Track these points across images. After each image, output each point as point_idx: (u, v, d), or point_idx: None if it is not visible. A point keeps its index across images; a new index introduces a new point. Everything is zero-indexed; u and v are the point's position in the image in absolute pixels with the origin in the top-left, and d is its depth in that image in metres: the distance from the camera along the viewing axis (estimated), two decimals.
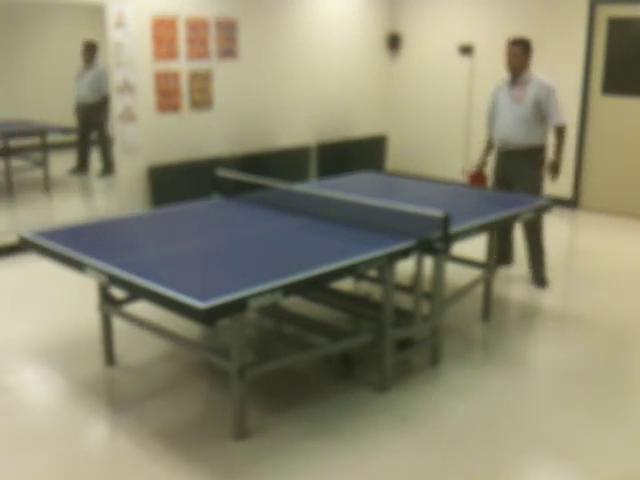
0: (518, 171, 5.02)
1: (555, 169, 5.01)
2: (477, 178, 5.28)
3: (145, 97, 6.29)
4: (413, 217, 3.63)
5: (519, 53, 4.90)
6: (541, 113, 4.90)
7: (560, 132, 4.95)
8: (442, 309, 3.86)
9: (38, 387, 3.68)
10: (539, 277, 5.14)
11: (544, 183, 5.07)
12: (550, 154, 5.07)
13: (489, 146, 5.31)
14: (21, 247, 3.73)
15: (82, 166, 8.13)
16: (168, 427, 3.29)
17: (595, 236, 6.60)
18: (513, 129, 4.97)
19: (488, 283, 4.50)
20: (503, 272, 5.33)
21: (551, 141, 5.05)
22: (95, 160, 8.04)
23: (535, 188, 4.97)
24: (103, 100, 7.55)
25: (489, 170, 5.32)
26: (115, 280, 3.05)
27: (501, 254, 5.43)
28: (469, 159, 7.96)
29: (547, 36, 7.30)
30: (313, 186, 5.04)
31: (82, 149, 8.09)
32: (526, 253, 5.22)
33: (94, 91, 7.63)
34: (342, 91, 8.14)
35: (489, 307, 4.54)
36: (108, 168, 7.77)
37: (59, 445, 3.15)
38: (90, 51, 7.55)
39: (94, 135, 8.05)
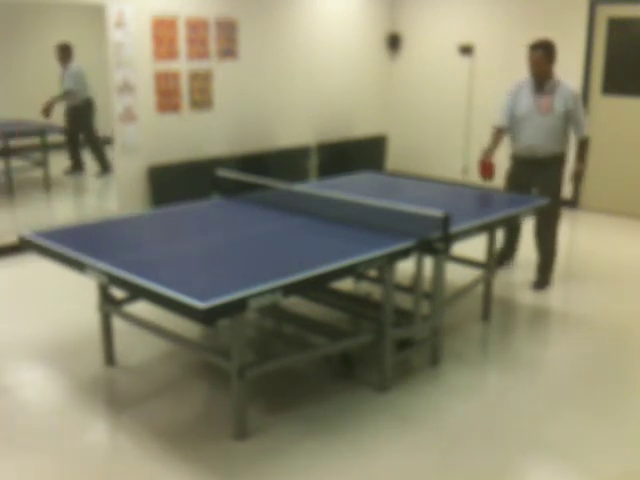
0: (539, 177, 4.91)
1: (579, 177, 4.90)
2: (486, 167, 4.97)
3: (145, 97, 6.28)
4: (413, 217, 3.63)
5: (540, 58, 4.65)
6: (568, 123, 4.77)
7: (585, 143, 4.83)
8: (442, 309, 3.86)
9: (38, 387, 3.68)
10: (542, 280, 5.11)
11: (562, 188, 4.98)
12: (571, 161, 4.95)
13: (498, 137, 5.03)
14: (21, 247, 3.73)
15: (76, 166, 8.16)
16: (168, 427, 3.29)
17: (595, 236, 6.60)
18: (541, 139, 4.81)
19: (488, 283, 4.50)
20: (504, 274, 5.32)
21: (572, 147, 4.95)
22: (90, 160, 8.05)
23: (554, 194, 4.84)
24: (85, 101, 7.55)
25: (501, 171, 5.16)
26: (115, 280, 3.05)
27: (503, 254, 5.42)
28: (469, 159, 7.96)
29: (547, 36, 7.29)
30: (313, 186, 5.04)
31: (72, 150, 8.12)
32: (536, 254, 5.18)
33: (75, 93, 7.63)
34: (342, 91, 8.14)
35: (489, 307, 4.54)
36: (105, 168, 7.79)
37: (59, 445, 3.15)
38: (64, 53, 7.56)
39: (82, 136, 8.07)
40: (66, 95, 7.57)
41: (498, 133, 5.05)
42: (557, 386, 3.72)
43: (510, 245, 5.44)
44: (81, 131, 7.98)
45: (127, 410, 3.45)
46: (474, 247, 4.63)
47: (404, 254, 3.44)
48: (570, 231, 6.88)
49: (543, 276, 5.11)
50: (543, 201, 4.55)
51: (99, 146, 7.76)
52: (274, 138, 7.47)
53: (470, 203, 4.69)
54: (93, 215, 6.17)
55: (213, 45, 6.70)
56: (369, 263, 3.30)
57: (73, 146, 8.13)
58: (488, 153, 5.02)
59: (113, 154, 6.36)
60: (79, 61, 7.64)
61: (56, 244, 3.43)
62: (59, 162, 8.12)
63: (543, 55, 4.66)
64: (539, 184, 4.92)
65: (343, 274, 3.24)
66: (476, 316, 4.58)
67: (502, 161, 5.21)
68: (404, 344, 3.75)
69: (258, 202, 4.34)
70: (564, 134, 4.85)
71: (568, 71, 7.15)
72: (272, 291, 2.83)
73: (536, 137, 4.84)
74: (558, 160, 4.92)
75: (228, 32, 6.80)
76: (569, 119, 4.78)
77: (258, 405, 3.43)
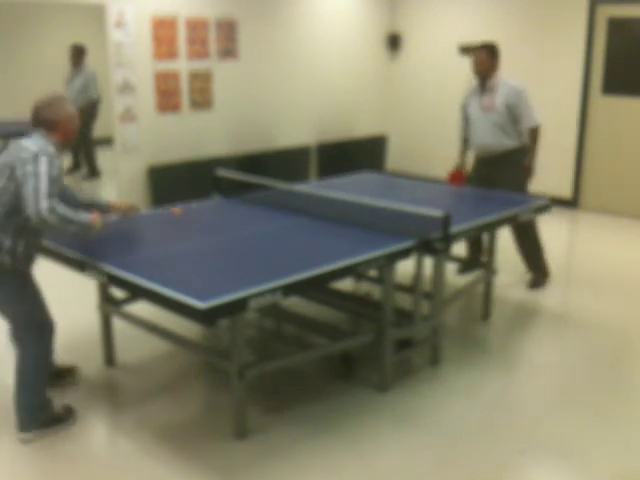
0: (498, 173, 4.93)
1: (529, 171, 4.95)
2: (456, 177, 5.18)
3: (145, 97, 6.29)
4: (413, 217, 3.63)
5: (484, 58, 4.84)
6: (514, 117, 4.84)
7: (534, 133, 4.87)
8: (442, 309, 3.86)
9: None
10: (536, 279, 5.10)
11: (527, 182, 4.99)
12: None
13: (464, 147, 5.26)
14: None
15: (77, 166, 8.22)
16: (168, 427, 3.29)
17: (595, 236, 6.60)
18: (488, 136, 4.91)
19: (488, 283, 4.50)
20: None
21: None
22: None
23: (518, 187, 4.88)
24: (92, 103, 7.59)
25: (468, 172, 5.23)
26: (115, 280, 3.05)
27: (469, 261, 5.24)
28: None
29: (547, 36, 7.31)
30: (313, 186, 5.04)
31: (75, 150, 8.16)
32: (520, 256, 5.16)
33: (84, 95, 7.67)
34: (342, 91, 8.14)
35: (489, 307, 4.54)
36: (92, 171, 7.87)
37: (59, 445, 3.15)
38: (78, 54, 7.58)
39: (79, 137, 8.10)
40: (93, 102, 7.61)
41: (464, 142, 5.26)
42: (556, 386, 3.72)
43: (474, 252, 5.26)
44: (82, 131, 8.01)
45: (127, 410, 3.45)
46: None
47: (404, 254, 3.44)
48: (570, 231, 6.88)
49: (535, 274, 5.11)
50: (542, 201, 4.54)
51: (91, 149, 7.84)
52: (274, 138, 7.47)
53: (470, 203, 4.69)
54: None
55: (213, 45, 6.70)
56: (369, 263, 3.30)
57: (76, 146, 8.16)
58: (460, 163, 5.24)
59: (113, 154, 6.36)
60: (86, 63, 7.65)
61: (56, 244, 3.43)
62: None
63: (486, 55, 4.86)
64: (500, 182, 4.90)
65: (343, 274, 3.24)
66: (476, 316, 4.58)
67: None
68: (404, 344, 3.75)
69: (258, 202, 4.34)
70: (511, 130, 4.88)
71: (568, 71, 7.18)
72: (272, 291, 2.83)
73: (485, 135, 4.94)
74: (514, 155, 4.92)
75: (228, 32, 6.80)
76: (513, 114, 4.83)
77: (258, 405, 3.44)
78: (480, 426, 3.31)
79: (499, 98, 4.83)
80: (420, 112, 8.57)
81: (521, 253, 5.14)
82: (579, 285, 5.26)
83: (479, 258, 5.25)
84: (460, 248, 4.07)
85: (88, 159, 7.94)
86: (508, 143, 4.90)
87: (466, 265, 5.21)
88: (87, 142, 7.90)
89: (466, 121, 5.14)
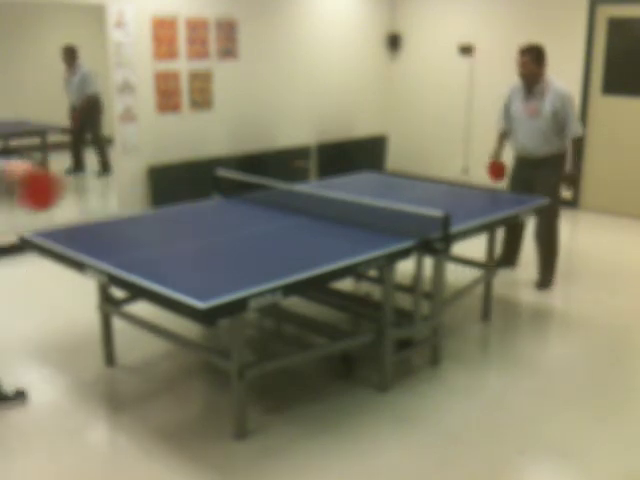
0: (537, 176, 4.94)
1: (573, 181, 4.96)
2: (496, 168, 5.14)
3: (145, 97, 6.28)
4: (413, 217, 3.63)
5: (527, 62, 4.76)
6: (559, 124, 4.81)
7: (578, 143, 4.86)
8: (442, 309, 3.86)
9: (38, 387, 3.67)
10: (544, 280, 5.12)
11: (561, 189, 4.99)
12: (568, 163, 4.98)
13: (501, 140, 5.21)
14: (21, 247, 3.73)
15: (77, 166, 8.18)
16: (168, 427, 3.29)
17: (595, 236, 6.60)
18: (531, 141, 4.90)
19: (488, 283, 4.50)
20: (505, 273, 5.30)
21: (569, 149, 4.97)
22: (93, 160, 8.05)
23: (551, 193, 4.85)
24: (92, 100, 7.59)
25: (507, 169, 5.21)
26: (115, 280, 3.05)
27: (506, 255, 5.40)
28: (469, 159, 7.96)
29: (547, 36, 7.29)
30: (313, 186, 5.04)
31: (76, 150, 8.13)
32: (536, 254, 5.19)
33: (82, 94, 7.68)
34: (342, 91, 8.14)
35: (489, 307, 4.54)
36: (105, 168, 7.82)
37: (59, 445, 3.15)
38: (71, 55, 7.60)
39: (88, 136, 8.08)
40: (92, 99, 7.61)
41: (501, 136, 5.23)
42: (557, 386, 3.72)
43: (511, 248, 5.41)
44: (88, 130, 7.99)
45: (127, 410, 3.45)
46: (474, 247, 4.63)
47: (404, 254, 3.44)
48: (570, 231, 6.88)
49: (544, 276, 5.12)
50: (543, 201, 4.55)
51: (103, 145, 7.80)
52: (274, 138, 7.47)
53: (470, 203, 4.69)
54: (93, 215, 6.17)
55: (213, 45, 6.70)
56: (369, 263, 3.30)
57: (78, 146, 8.14)
58: (495, 154, 5.19)
59: (113, 154, 6.36)
60: (81, 62, 7.65)
61: (56, 244, 3.43)
62: (59, 162, 8.11)
63: (531, 59, 4.77)
64: (537, 183, 4.95)
65: (343, 274, 3.24)
66: (476, 316, 4.58)
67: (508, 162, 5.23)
68: (404, 344, 3.75)
69: (258, 202, 4.34)
70: (555, 136, 4.87)
71: (568, 71, 7.17)
72: (272, 291, 2.83)
73: (527, 139, 4.94)
74: (554, 160, 4.93)
75: (228, 32, 6.80)
76: (558, 121, 4.81)
77: (258, 405, 3.44)
78: (480, 426, 3.31)
79: (547, 105, 4.77)
80: (420, 112, 8.57)
81: (538, 252, 5.14)
82: (579, 285, 5.26)
83: (515, 255, 5.40)
84: (463, 248, 4.07)
85: (101, 156, 7.91)
86: (549, 149, 4.90)
87: (502, 261, 5.32)
88: (98, 139, 7.88)
89: (506, 115, 5.09)
